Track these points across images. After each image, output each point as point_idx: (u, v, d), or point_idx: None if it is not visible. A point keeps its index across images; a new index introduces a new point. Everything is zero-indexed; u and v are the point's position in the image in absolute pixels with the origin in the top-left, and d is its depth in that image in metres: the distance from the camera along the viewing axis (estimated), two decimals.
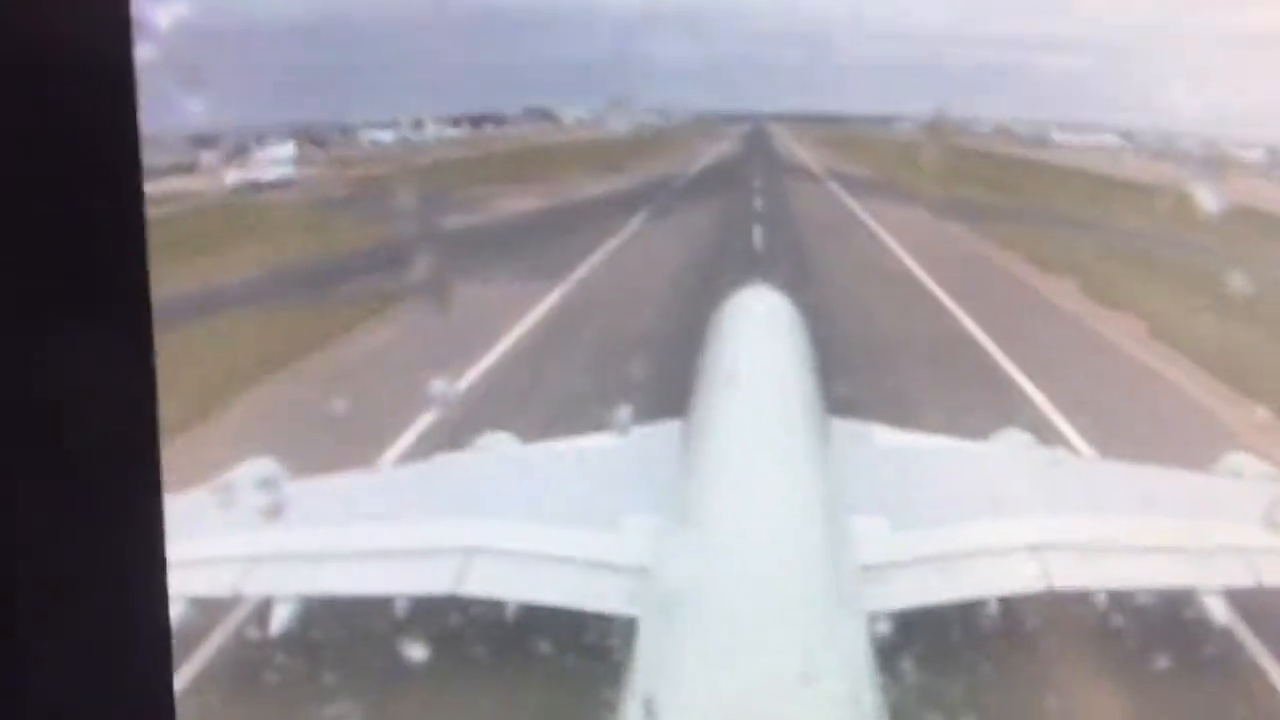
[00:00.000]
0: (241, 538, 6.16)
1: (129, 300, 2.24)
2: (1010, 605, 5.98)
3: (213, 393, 11.37)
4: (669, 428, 7.49)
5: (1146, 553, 6.23)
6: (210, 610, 6.05)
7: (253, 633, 6.04)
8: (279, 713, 5.83)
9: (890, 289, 20.41)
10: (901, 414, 9.25)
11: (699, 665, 4.87)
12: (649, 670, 4.98)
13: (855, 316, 17.57)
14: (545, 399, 11.71)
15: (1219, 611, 6.05)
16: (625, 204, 29.38)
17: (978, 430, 8.45)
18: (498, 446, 7.81)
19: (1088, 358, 16.31)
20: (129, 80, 2.15)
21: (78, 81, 2.00)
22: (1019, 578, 6.01)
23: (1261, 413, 11.04)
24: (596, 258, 22.03)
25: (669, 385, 8.92)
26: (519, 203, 29.52)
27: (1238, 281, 12.99)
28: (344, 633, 6.00)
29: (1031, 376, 14.03)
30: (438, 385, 10.99)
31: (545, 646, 5.82)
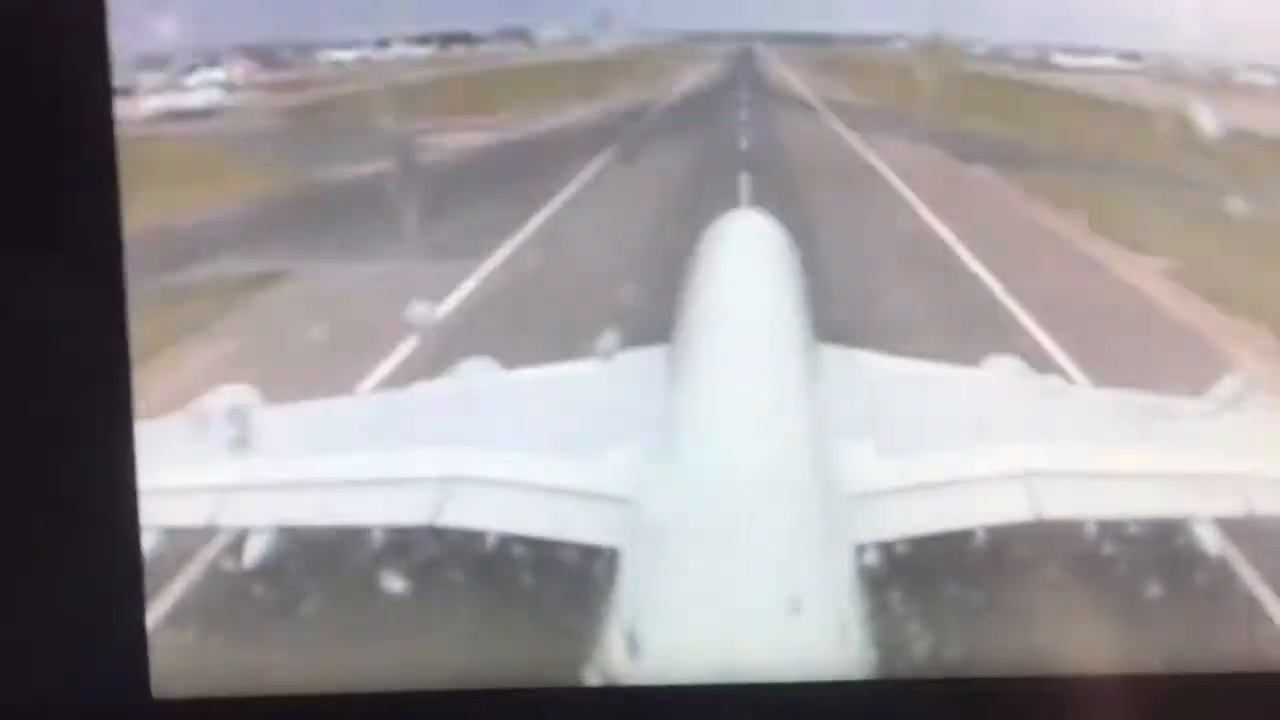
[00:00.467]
0: (215, 467, 6.09)
1: (99, 231, 2.11)
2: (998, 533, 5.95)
3: None
4: (654, 353, 7.40)
5: (1138, 481, 6.21)
6: (182, 541, 5.96)
7: (227, 564, 5.98)
8: (254, 642, 5.77)
9: (930, 275, 13.92)
10: None
11: (682, 596, 4.83)
12: (632, 602, 4.93)
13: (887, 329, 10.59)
14: None
15: (1211, 540, 6.05)
16: (587, 141, 21.94)
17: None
18: (478, 373, 7.71)
19: None
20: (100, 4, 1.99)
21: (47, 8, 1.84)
22: (1008, 507, 5.98)
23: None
24: (535, 223, 16.48)
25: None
26: (463, 138, 21.92)
27: None
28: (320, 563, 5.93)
29: None
30: None
31: (527, 577, 5.76)
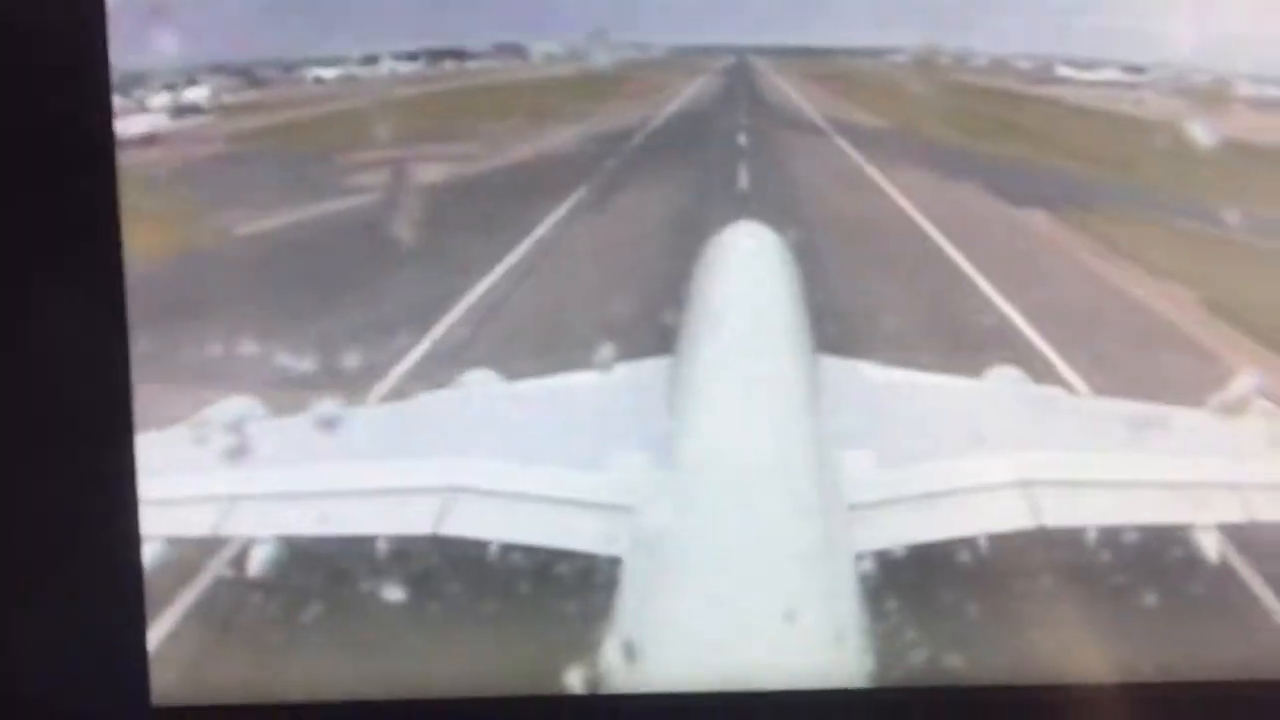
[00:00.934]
0: (217, 477, 6.11)
1: (100, 243, 2.12)
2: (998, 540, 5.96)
3: None
4: (655, 365, 7.43)
5: (1138, 489, 6.22)
6: (185, 552, 5.97)
7: (229, 573, 5.99)
8: (256, 652, 5.78)
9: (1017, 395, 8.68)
10: None
11: (682, 606, 4.84)
12: (631, 610, 4.95)
13: None
14: None
15: (1211, 547, 6.06)
16: (555, 178, 17.74)
17: None
18: (480, 384, 7.74)
19: None
20: (100, 26, 2.01)
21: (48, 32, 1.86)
22: (1008, 515, 5.99)
23: None
24: (467, 302, 11.98)
25: None
26: (416, 174, 16.94)
27: None
28: (322, 572, 5.95)
29: None
30: None
31: (526, 586, 5.78)
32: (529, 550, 5.80)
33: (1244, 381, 7.31)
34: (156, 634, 4.83)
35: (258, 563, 5.85)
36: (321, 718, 3.91)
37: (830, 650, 4.65)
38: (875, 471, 6.22)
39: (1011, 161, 19.92)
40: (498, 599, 5.88)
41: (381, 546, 5.82)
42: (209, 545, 6.05)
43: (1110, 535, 6.00)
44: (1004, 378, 8.06)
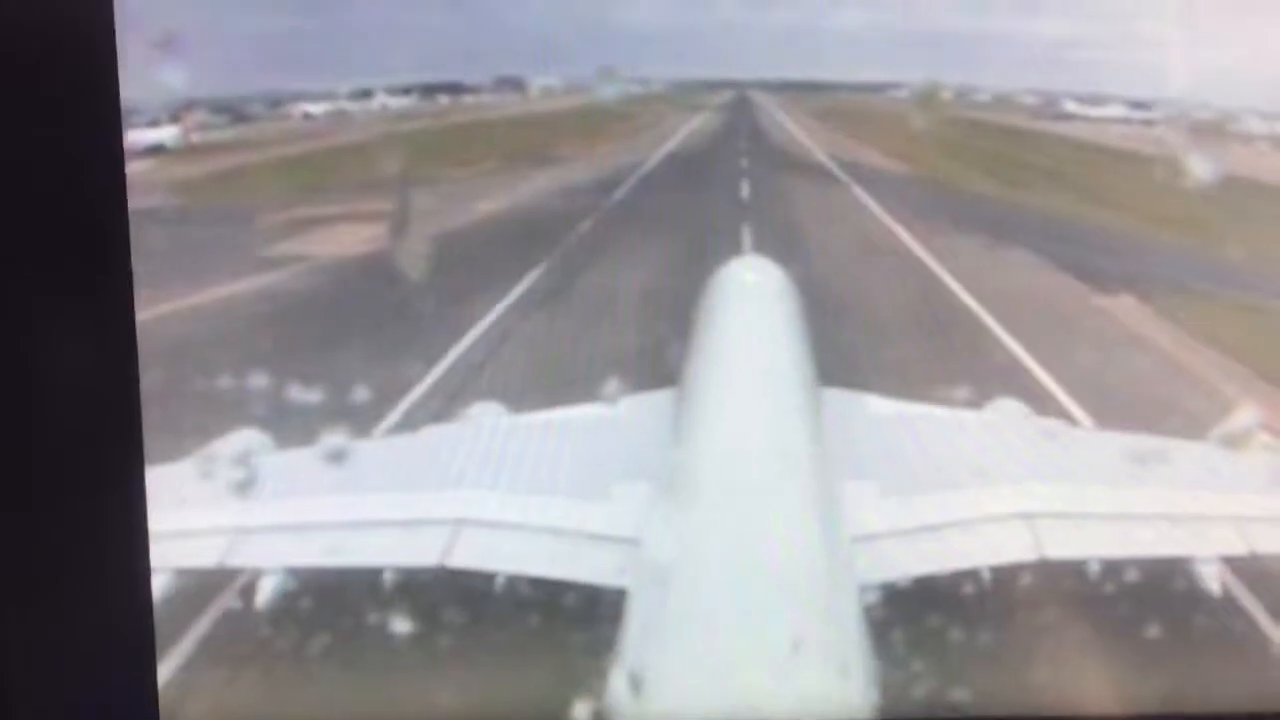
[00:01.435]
0: (225, 509, 6.15)
1: (110, 276, 2.16)
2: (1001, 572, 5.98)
3: None
4: (660, 397, 7.47)
5: (1141, 521, 6.25)
6: (195, 584, 5.99)
7: (237, 605, 6.01)
8: (266, 685, 5.80)
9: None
10: None
11: (687, 637, 4.86)
12: (637, 642, 4.97)
13: None
14: None
15: (1213, 579, 6.08)
16: (516, 245, 14.74)
17: None
18: (486, 417, 7.78)
19: None
20: (111, 61, 2.06)
21: (60, 68, 1.91)
22: (1011, 547, 6.02)
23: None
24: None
25: None
26: (350, 237, 14.50)
27: None
28: (330, 604, 5.96)
29: None
30: None
31: (533, 617, 5.80)
32: (536, 582, 5.83)
33: (1245, 415, 7.35)
34: (166, 667, 4.85)
35: (266, 594, 5.88)
36: None
37: (835, 682, 4.66)
38: (879, 503, 6.25)
39: (1063, 221, 16.55)
40: (505, 630, 5.91)
41: (389, 578, 5.85)
42: (217, 577, 6.08)
43: (1113, 567, 6.03)
44: (1006, 410, 8.10)
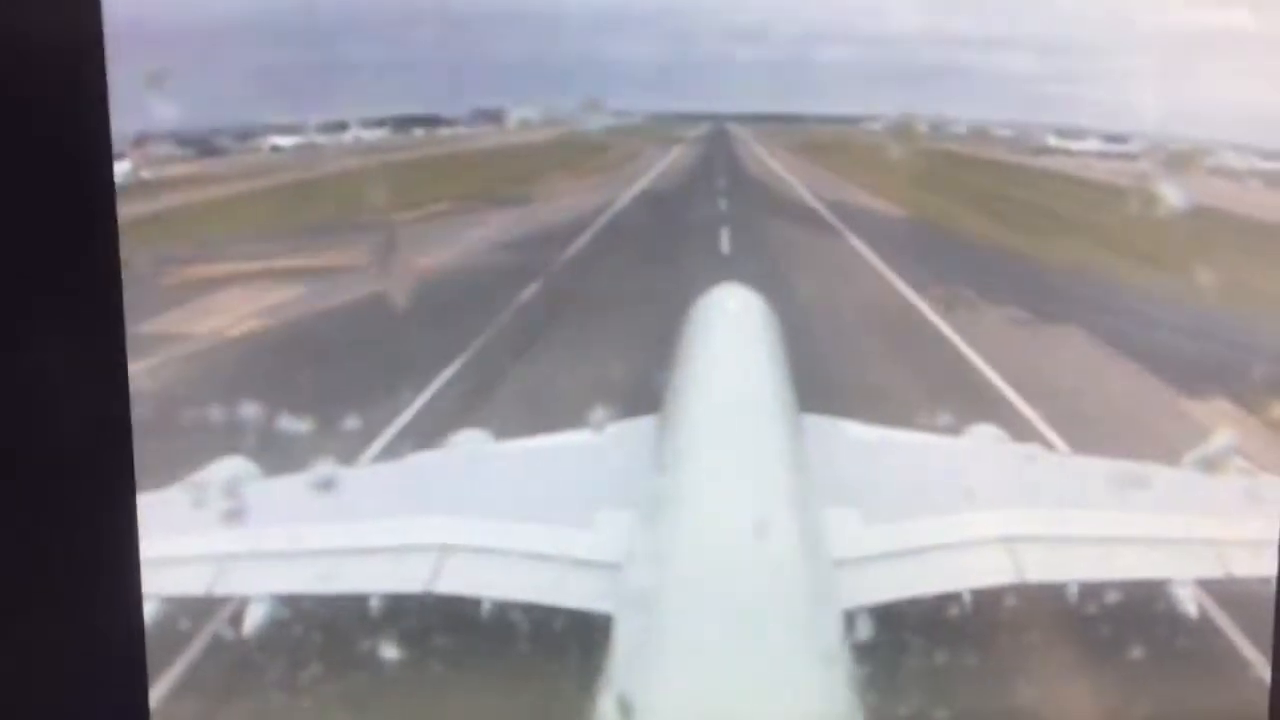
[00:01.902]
0: (214, 537, 6.16)
1: (100, 301, 2.21)
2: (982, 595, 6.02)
3: None
4: (644, 424, 7.52)
5: (1118, 545, 6.33)
6: (184, 612, 5.99)
7: (227, 633, 6.01)
8: (255, 710, 5.80)
9: None
10: None
11: (673, 663, 4.89)
12: (624, 666, 5.00)
13: None
14: None
15: (1190, 601, 6.15)
16: (443, 322, 11.88)
17: None
18: (471, 444, 7.81)
19: None
20: (102, 89, 2.12)
21: (48, 91, 1.96)
22: (991, 571, 6.08)
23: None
24: None
25: None
26: (230, 315, 12.38)
27: None
28: (318, 631, 5.96)
29: None
30: None
31: (522, 643, 5.82)
32: (522, 607, 5.85)
33: (1221, 440, 7.43)
34: (158, 692, 4.85)
35: (253, 621, 5.88)
36: None
37: (819, 703, 4.69)
38: (860, 528, 6.30)
39: (1096, 278, 14.20)
40: (492, 655, 5.93)
41: (375, 604, 5.86)
42: (206, 605, 6.08)
43: (1092, 589, 6.09)
44: (985, 435, 8.17)
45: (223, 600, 6.09)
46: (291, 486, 6.83)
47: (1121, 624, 6.07)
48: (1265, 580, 6.14)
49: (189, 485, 6.46)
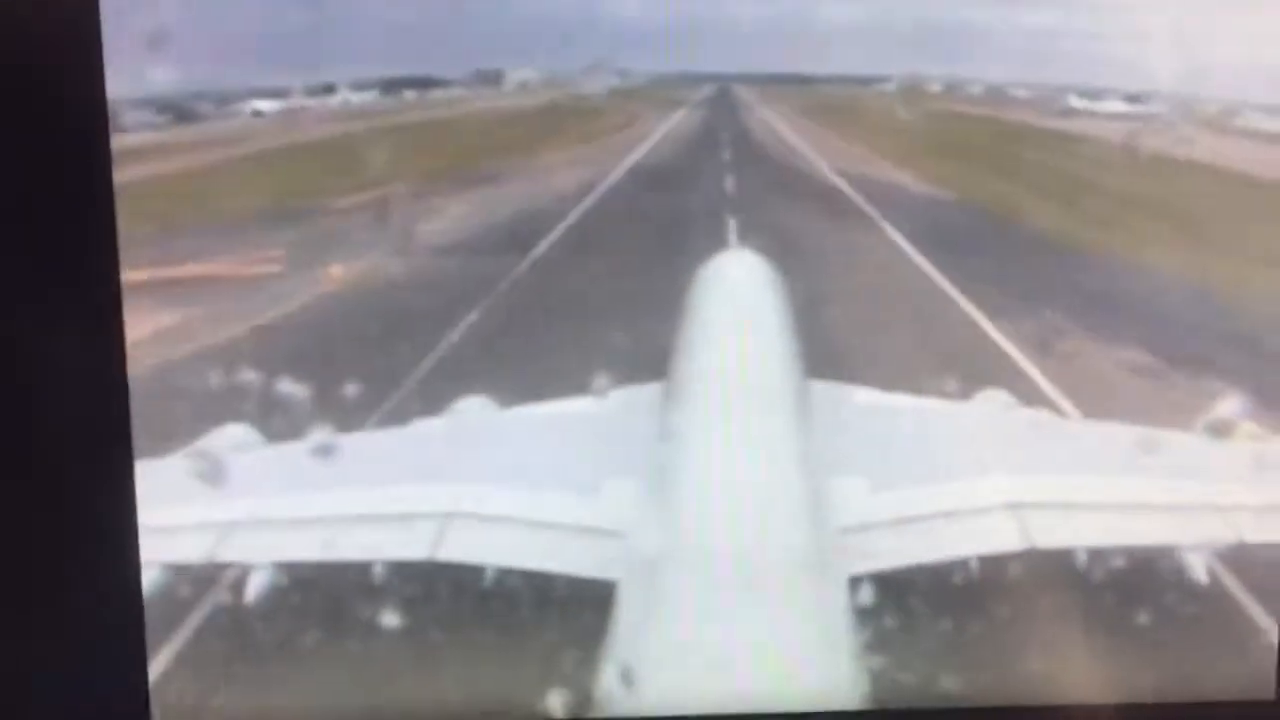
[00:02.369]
0: (214, 504, 6.13)
1: (96, 267, 2.16)
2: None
3: None
4: (649, 390, 7.47)
5: (1128, 511, 6.28)
6: (184, 580, 5.96)
7: (227, 600, 5.99)
8: (257, 680, 5.78)
9: None
10: None
11: (676, 631, 4.87)
12: (627, 635, 4.98)
13: None
14: None
15: (1200, 568, 6.11)
16: (327, 373, 7.31)
17: None
18: (474, 411, 7.77)
19: None
20: (97, 52, 2.05)
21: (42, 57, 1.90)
22: (999, 537, 6.04)
23: None
24: None
25: None
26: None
27: None
28: (320, 599, 5.94)
29: None
30: None
31: (526, 612, 5.80)
32: (525, 575, 5.83)
33: (1230, 404, 7.35)
34: (158, 662, 4.84)
35: (255, 590, 5.86)
36: None
37: (824, 672, 4.67)
38: (866, 495, 6.27)
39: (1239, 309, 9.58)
40: (496, 624, 5.90)
41: (378, 571, 5.85)
42: (205, 573, 6.05)
43: (1101, 556, 6.04)
44: (993, 400, 8.11)
45: (224, 568, 6.08)
46: (291, 454, 6.79)
47: (1130, 590, 6.03)
48: (1274, 546, 6.13)
49: (190, 453, 6.43)
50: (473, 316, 9.13)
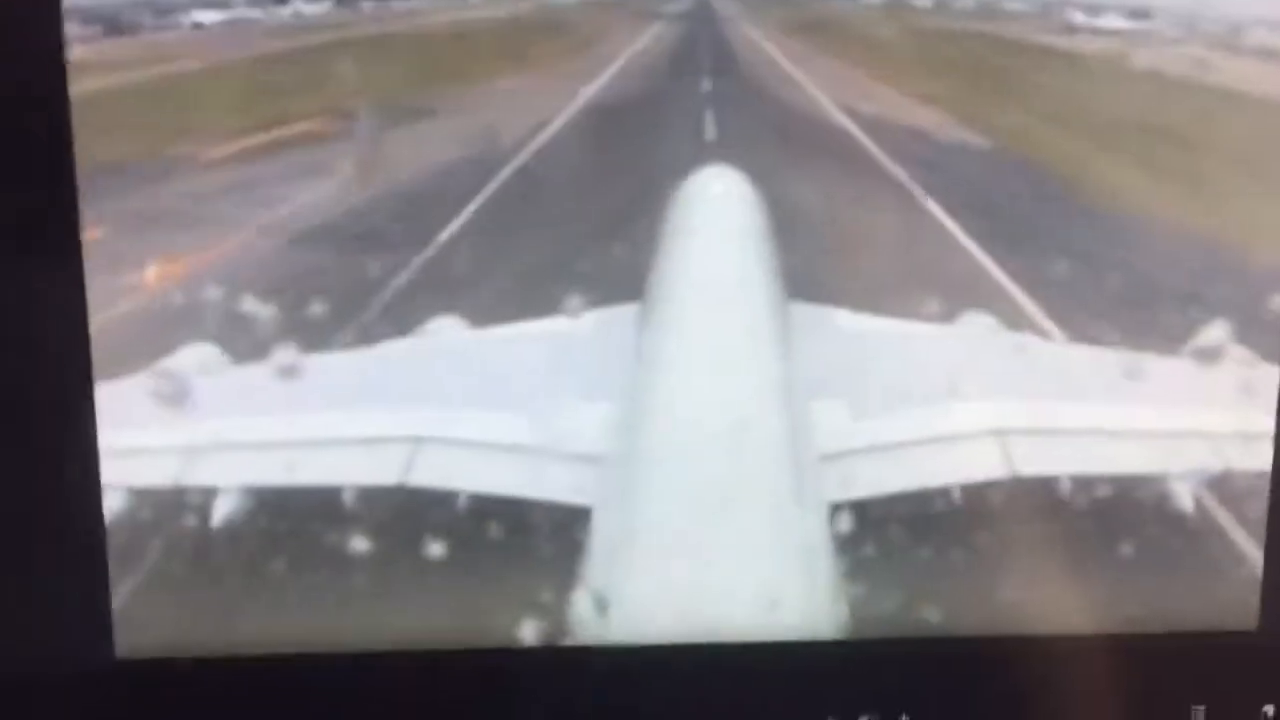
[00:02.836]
0: (178, 427, 6.03)
1: (51, 180, 2.03)
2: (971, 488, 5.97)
3: None
4: (624, 311, 7.37)
5: (1114, 437, 6.22)
6: (147, 504, 5.89)
7: (193, 524, 5.93)
8: (223, 606, 5.73)
9: None
10: None
11: (653, 556, 4.83)
12: (601, 561, 4.95)
13: None
14: None
15: (1186, 496, 6.07)
16: None
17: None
18: (445, 332, 7.67)
19: None
20: None
21: None
22: (982, 464, 5.97)
23: None
24: None
25: None
26: None
27: None
28: (288, 523, 5.89)
29: None
30: None
31: (497, 537, 5.76)
32: (498, 500, 5.78)
33: (1218, 329, 7.27)
34: (121, 588, 4.77)
35: (221, 514, 5.79)
36: (288, 668, 3.88)
37: (803, 601, 4.65)
38: (847, 421, 6.22)
39: None
40: (466, 550, 5.86)
41: (347, 497, 5.78)
42: (168, 497, 5.99)
43: (1085, 484, 6.00)
44: (977, 324, 8.02)
45: (187, 491, 6.00)
46: (256, 375, 6.69)
47: (1114, 519, 5.99)
48: (1261, 475, 6.08)
49: (152, 373, 6.31)
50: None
